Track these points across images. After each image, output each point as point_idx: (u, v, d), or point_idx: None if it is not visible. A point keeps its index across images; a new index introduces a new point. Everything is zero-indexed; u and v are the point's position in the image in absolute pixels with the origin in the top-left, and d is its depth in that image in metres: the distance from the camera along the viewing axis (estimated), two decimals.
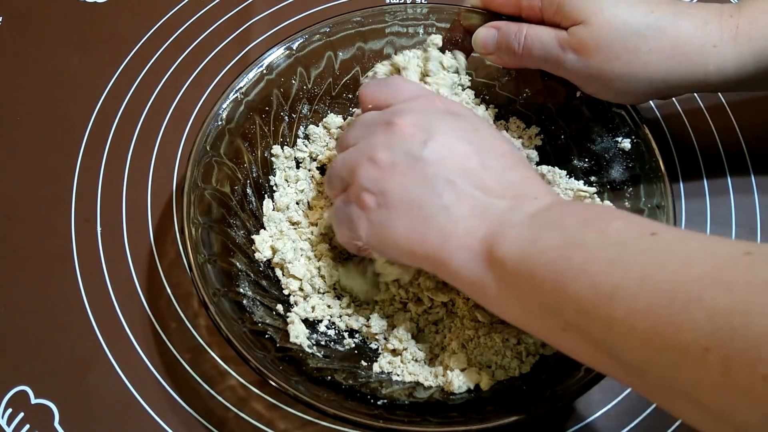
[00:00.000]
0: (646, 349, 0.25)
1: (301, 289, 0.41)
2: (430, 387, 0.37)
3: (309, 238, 0.43)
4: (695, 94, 0.52)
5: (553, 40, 0.40)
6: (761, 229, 0.46)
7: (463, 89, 0.45)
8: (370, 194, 0.34)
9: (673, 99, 0.52)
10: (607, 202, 0.42)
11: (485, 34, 0.43)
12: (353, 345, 0.40)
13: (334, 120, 0.48)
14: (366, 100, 0.38)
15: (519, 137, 0.47)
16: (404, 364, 0.39)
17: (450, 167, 0.32)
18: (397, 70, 0.42)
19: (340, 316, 0.41)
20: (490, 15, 0.43)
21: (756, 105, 0.51)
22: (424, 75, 0.42)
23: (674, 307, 0.24)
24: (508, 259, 0.29)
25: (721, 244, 0.25)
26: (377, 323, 0.40)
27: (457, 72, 0.43)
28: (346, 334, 0.41)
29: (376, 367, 0.39)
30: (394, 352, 0.39)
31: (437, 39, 0.43)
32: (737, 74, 0.38)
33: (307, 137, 0.48)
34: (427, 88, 0.41)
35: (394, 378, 0.38)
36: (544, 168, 0.45)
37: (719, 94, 0.52)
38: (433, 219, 0.32)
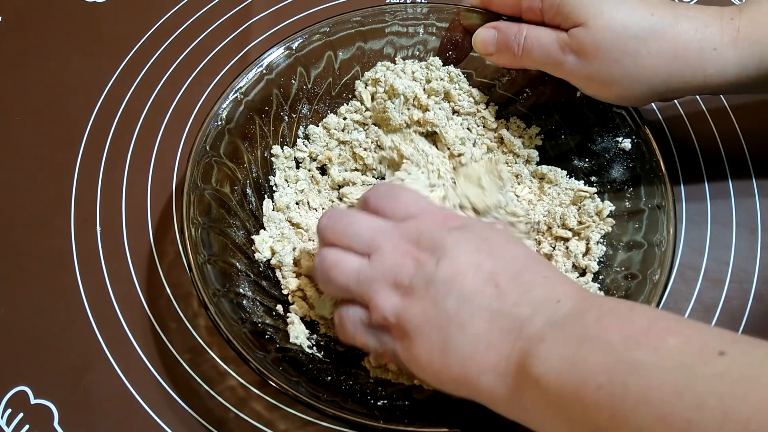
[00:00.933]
0: None
1: (300, 290, 0.41)
2: (430, 387, 0.37)
3: (312, 239, 0.43)
4: (697, 97, 0.52)
5: (554, 41, 0.39)
6: (761, 231, 0.46)
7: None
8: (391, 322, 0.32)
9: (675, 102, 0.51)
10: (608, 203, 0.42)
11: (485, 34, 0.43)
12: None
13: (334, 120, 0.48)
14: (369, 208, 0.36)
15: (519, 137, 0.47)
16: None
17: (461, 283, 0.31)
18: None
19: None
20: (490, 14, 0.43)
21: (759, 108, 0.51)
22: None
23: None
24: (546, 381, 0.27)
25: None
26: None
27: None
28: None
29: None
30: None
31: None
32: (738, 77, 0.38)
33: (307, 137, 0.48)
34: (430, 201, 0.39)
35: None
36: (545, 168, 0.45)
37: (721, 96, 0.51)
38: (450, 341, 0.30)
